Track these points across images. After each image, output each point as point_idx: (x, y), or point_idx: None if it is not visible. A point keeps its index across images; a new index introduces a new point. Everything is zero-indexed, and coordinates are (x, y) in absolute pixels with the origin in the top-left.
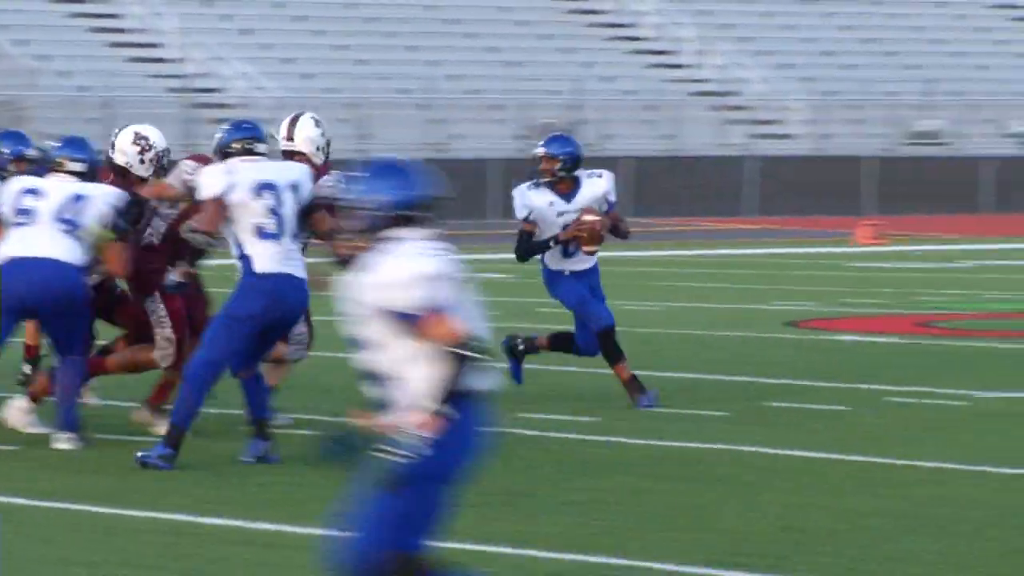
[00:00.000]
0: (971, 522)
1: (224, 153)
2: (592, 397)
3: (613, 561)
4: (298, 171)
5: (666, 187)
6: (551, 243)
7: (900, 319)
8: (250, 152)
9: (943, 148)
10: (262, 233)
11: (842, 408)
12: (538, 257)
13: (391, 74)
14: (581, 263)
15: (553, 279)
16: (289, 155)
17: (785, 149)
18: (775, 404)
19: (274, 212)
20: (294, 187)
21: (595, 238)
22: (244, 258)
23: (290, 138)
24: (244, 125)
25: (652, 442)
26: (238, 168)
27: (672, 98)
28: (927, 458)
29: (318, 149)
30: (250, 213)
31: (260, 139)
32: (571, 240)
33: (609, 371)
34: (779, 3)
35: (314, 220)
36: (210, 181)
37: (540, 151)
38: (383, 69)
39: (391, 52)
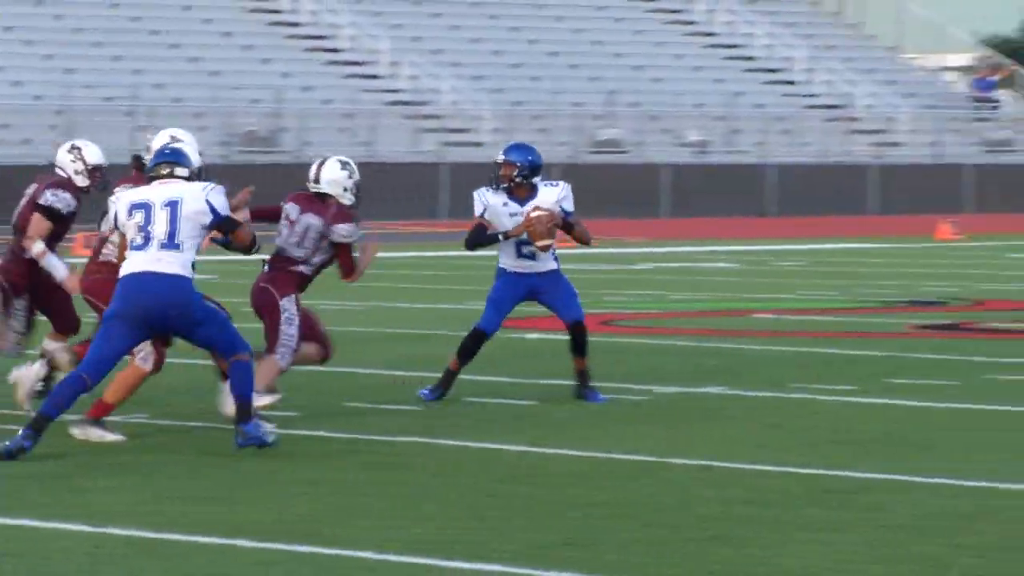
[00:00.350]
0: (668, 510)
1: (149, 179)
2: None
3: (317, 550)
4: (180, 191)
5: (364, 192)
6: (500, 236)
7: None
8: (170, 175)
9: (625, 156)
10: (132, 246)
11: (533, 403)
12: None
13: (97, 83)
14: (534, 266)
15: (497, 274)
16: (319, 196)
17: (476, 156)
18: (473, 400)
19: (141, 228)
20: (172, 204)
21: (544, 232)
22: None
23: (316, 180)
24: (164, 151)
25: (355, 435)
26: (118, 195)
27: (368, 107)
28: (614, 450)
29: (345, 190)
30: (128, 231)
31: (179, 163)
32: (527, 240)
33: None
34: (469, 17)
35: (236, 236)
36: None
37: (500, 158)
38: (90, 78)
39: (97, 62)
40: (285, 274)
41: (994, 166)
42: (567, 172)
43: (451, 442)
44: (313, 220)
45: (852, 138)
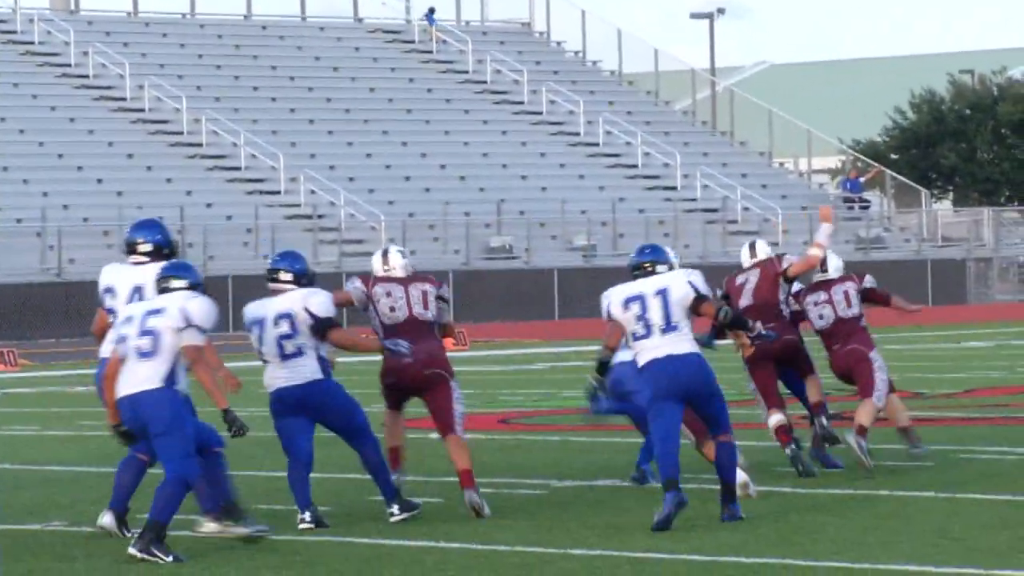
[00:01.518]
0: None
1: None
2: None
3: None
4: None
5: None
6: None
7: (485, 417)
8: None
9: (515, 261)
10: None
11: (439, 500)
12: None
13: (6, 204)
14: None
15: None
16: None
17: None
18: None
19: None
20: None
21: None
22: None
23: (386, 265)
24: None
25: None
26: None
27: (269, 221)
28: (513, 543)
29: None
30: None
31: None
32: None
33: None
34: (361, 134)
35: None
36: None
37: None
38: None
39: (9, 185)
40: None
41: (867, 263)
42: (461, 278)
43: (366, 540)
44: (427, 286)
45: (731, 239)
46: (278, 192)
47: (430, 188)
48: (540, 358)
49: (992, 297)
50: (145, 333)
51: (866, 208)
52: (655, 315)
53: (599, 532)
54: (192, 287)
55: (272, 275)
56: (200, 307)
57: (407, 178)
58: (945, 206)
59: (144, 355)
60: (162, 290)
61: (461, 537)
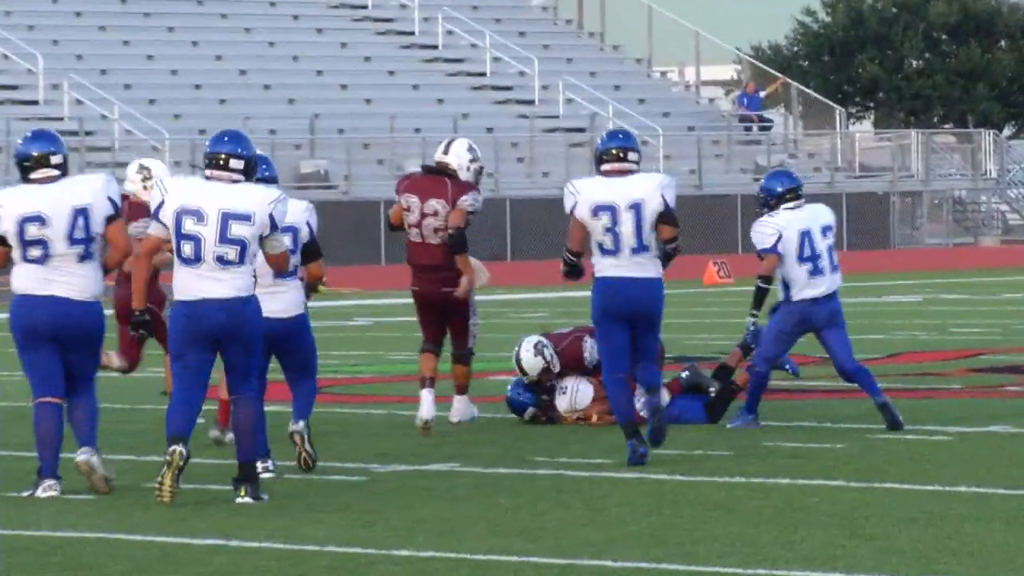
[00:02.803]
0: None
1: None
2: None
3: None
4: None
5: None
6: None
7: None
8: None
9: (333, 191)
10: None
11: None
12: None
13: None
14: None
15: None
16: (442, 167)
17: None
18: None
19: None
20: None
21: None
22: None
23: (446, 152)
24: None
25: None
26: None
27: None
28: (323, 542)
29: (467, 169)
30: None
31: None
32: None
33: None
34: (141, 32)
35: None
36: None
37: None
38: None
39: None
40: None
41: None
42: None
43: (139, 537)
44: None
45: None
46: (36, 102)
47: (226, 99)
48: (360, 312)
49: (921, 240)
50: None
51: (767, 129)
52: (626, 231)
53: (430, 528)
54: None
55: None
56: None
57: (197, 86)
58: (864, 128)
59: None
60: None
61: (258, 533)
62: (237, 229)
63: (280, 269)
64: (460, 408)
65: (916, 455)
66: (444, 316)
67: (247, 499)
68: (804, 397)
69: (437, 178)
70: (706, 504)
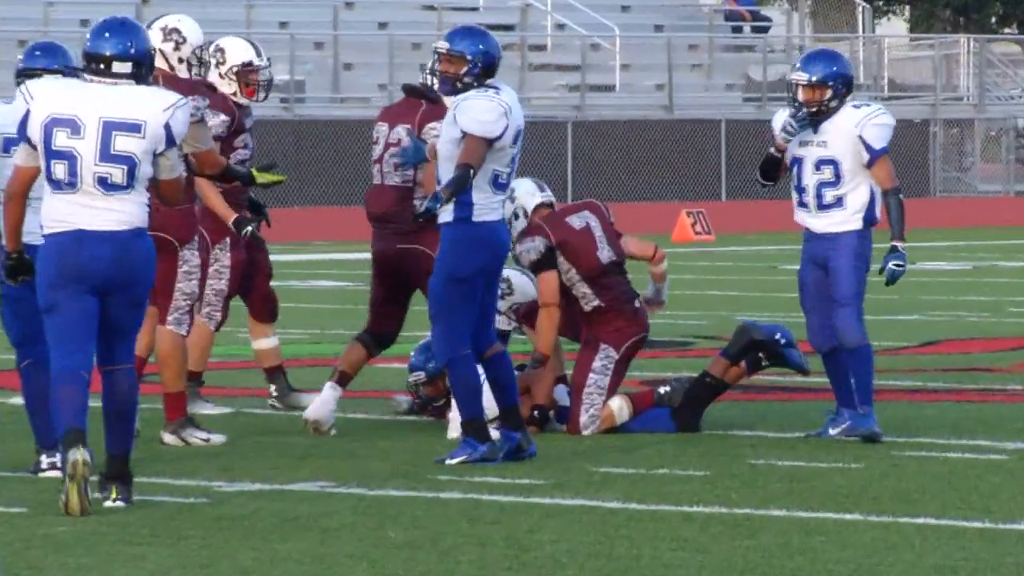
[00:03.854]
0: None
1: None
2: None
3: None
4: None
5: None
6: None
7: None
8: None
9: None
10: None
11: None
12: None
13: None
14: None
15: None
16: (424, 89)
17: None
18: None
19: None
20: None
21: None
22: None
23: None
24: None
25: None
26: None
27: None
28: None
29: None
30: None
31: None
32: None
33: None
34: None
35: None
36: None
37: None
38: None
39: None
40: None
41: (757, 123)
42: None
43: None
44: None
45: (539, 79)
46: None
47: None
48: (318, 269)
49: (971, 186)
50: None
51: (763, 31)
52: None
53: (292, 571)
54: None
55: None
56: None
57: None
58: (897, 31)
59: None
60: None
61: (57, 575)
62: (123, 143)
63: (172, 200)
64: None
65: (958, 480)
66: (406, 289)
67: (118, 502)
68: (808, 398)
69: (414, 101)
70: (672, 542)
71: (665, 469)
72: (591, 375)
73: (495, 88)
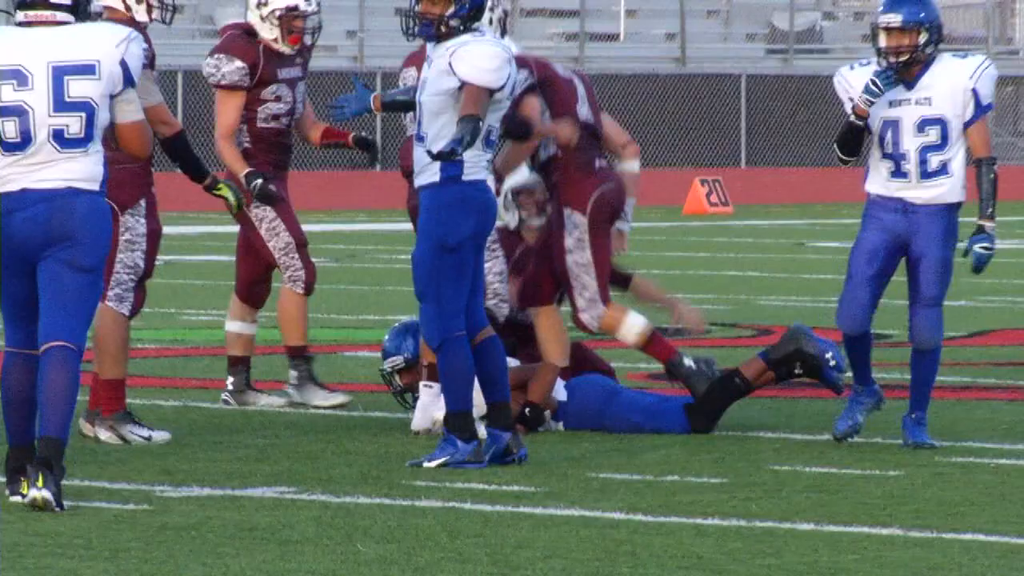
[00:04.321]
0: None
1: None
2: None
3: None
4: None
5: None
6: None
7: None
8: None
9: None
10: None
11: None
12: None
13: None
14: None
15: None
16: None
17: None
18: None
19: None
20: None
21: None
22: None
23: None
24: None
25: None
26: None
27: None
28: None
29: (488, 22)
30: None
31: None
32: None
33: None
34: None
35: None
36: None
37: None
38: None
39: None
40: None
41: (782, 79)
42: None
43: None
44: None
45: (531, 25)
46: None
47: None
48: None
49: None
50: None
51: None
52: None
53: None
54: None
55: None
56: None
57: None
58: None
59: None
60: None
61: None
62: (78, 88)
63: (136, 148)
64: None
65: (1011, 491)
66: None
67: (44, 492)
68: (836, 395)
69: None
70: (682, 560)
71: (675, 475)
72: (568, 256)
73: (482, 33)
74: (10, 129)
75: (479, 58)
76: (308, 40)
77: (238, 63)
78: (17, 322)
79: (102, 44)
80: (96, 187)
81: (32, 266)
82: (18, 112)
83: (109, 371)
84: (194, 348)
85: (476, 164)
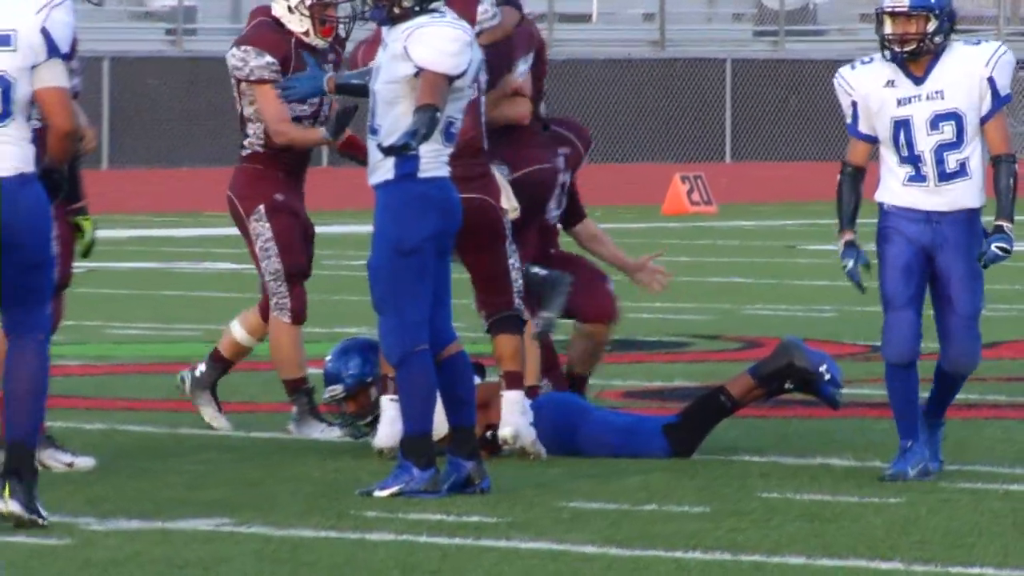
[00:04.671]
0: None
1: None
2: None
3: None
4: None
5: None
6: None
7: None
8: None
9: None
10: None
11: None
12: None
13: None
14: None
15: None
16: None
17: None
18: None
19: None
20: None
21: None
22: None
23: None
24: None
25: None
26: None
27: None
28: None
29: None
30: None
31: None
32: None
33: None
34: None
35: None
36: None
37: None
38: None
39: None
40: None
41: (771, 64)
42: None
43: None
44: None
45: None
46: None
47: None
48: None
49: None
50: None
51: None
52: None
53: None
54: None
55: None
56: None
57: None
58: None
59: None
60: None
61: None
62: None
63: (59, 121)
64: (514, 418)
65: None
66: (474, 251)
67: (13, 507)
68: (834, 414)
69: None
70: None
71: (654, 504)
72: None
73: (442, 14)
74: None
75: (438, 41)
76: (343, 32)
77: (268, 58)
78: None
79: (19, 11)
80: (32, 173)
81: None
82: None
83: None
84: (121, 365)
85: (435, 159)
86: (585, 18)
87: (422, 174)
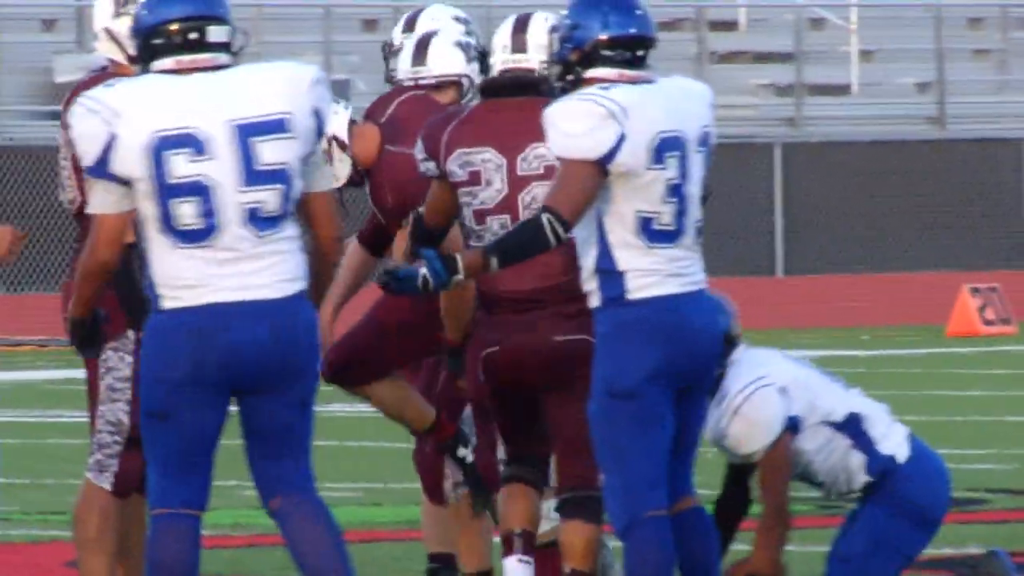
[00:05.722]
0: None
1: None
2: None
3: None
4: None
5: None
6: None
7: None
8: None
9: None
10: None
11: None
12: None
13: None
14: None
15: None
16: (525, 75)
17: None
18: None
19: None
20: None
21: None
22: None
23: (521, 31)
24: None
25: None
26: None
27: None
28: None
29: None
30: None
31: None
32: None
33: None
34: None
35: None
36: None
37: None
38: None
39: None
40: None
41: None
42: None
43: None
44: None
45: (726, 75)
46: None
47: None
48: None
49: None
50: None
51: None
52: (693, 190)
53: None
54: None
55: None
56: None
57: None
58: None
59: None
60: None
61: None
62: (271, 151)
63: (331, 232)
64: None
65: None
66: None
67: None
68: None
69: (525, 101)
70: None
71: None
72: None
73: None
74: (187, 213)
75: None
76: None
77: None
78: (181, 474)
79: (289, 88)
80: (307, 289)
81: (224, 394)
82: (199, 190)
83: None
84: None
85: (645, 274)
86: (843, 90)
87: (631, 295)
